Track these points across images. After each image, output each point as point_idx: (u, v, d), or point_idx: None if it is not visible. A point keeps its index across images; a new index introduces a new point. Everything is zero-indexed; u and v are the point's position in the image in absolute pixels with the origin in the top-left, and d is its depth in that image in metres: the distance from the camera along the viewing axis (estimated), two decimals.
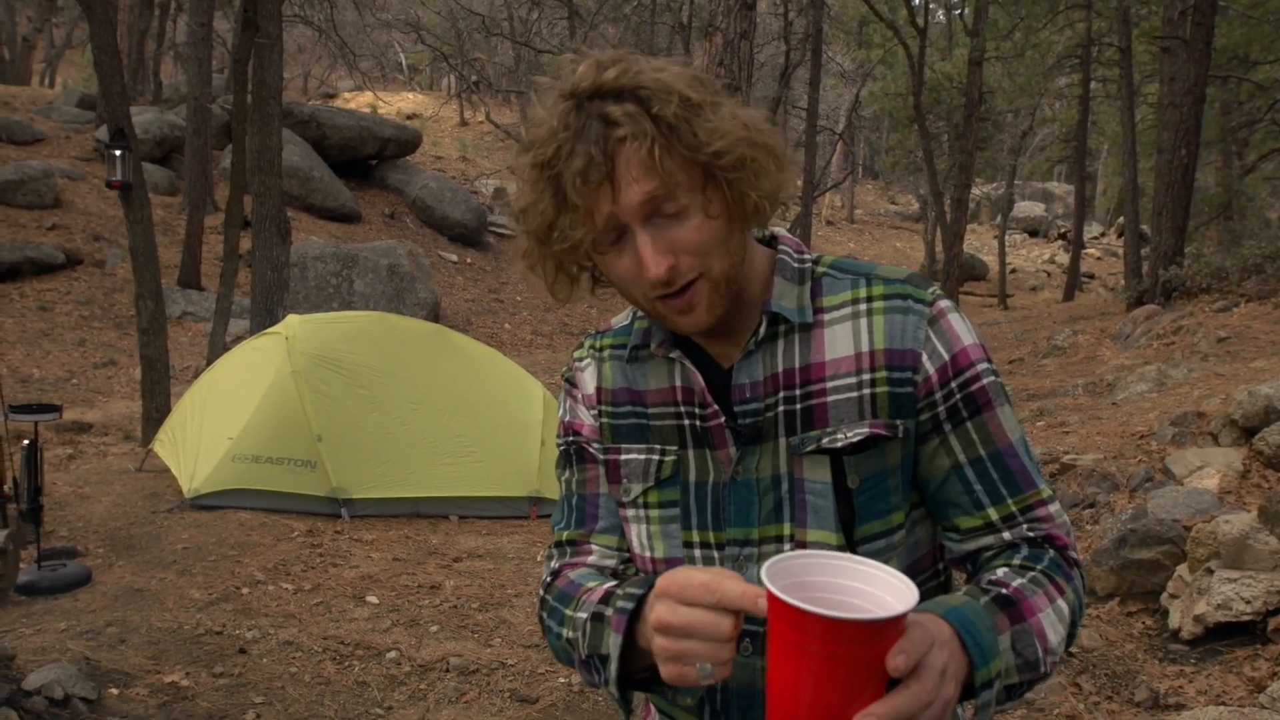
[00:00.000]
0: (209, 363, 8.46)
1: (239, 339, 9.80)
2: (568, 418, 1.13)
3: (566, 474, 1.13)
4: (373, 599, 4.55)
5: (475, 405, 6.46)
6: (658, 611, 0.81)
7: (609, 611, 0.95)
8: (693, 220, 0.92)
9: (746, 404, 1.00)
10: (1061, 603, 0.92)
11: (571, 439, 1.12)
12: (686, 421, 1.03)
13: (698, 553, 1.03)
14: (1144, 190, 20.09)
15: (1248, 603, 3.60)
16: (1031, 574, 0.93)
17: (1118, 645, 3.94)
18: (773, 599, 0.70)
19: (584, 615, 0.98)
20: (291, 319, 6.51)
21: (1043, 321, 14.52)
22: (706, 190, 0.92)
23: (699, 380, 1.02)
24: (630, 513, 1.07)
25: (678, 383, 1.04)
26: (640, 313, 1.08)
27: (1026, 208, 37.94)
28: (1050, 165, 39.27)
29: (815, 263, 1.04)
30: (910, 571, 0.98)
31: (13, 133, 17.95)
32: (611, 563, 1.09)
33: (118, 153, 7.30)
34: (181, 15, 24.98)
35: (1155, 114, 15.76)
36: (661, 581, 0.82)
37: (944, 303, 0.99)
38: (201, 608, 4.26)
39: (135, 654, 3.73)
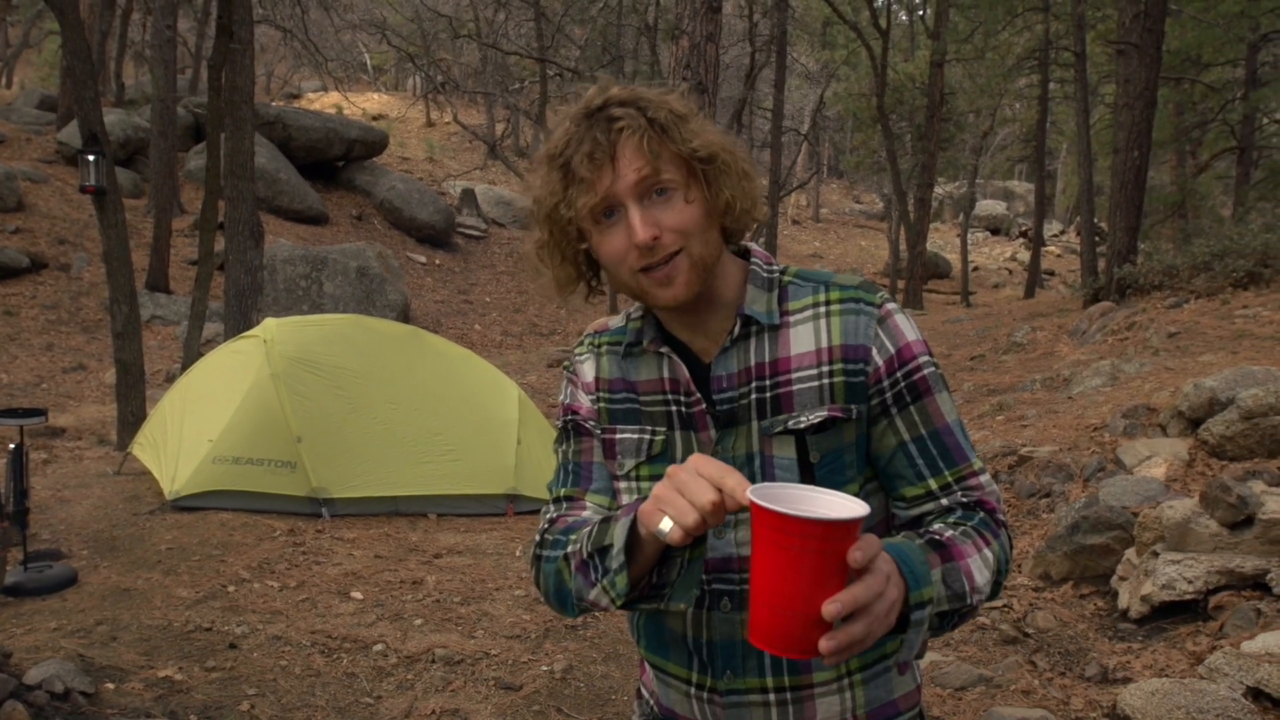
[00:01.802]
0: (184, 366, 8.48)
1: (211, 343, 9.83)
2: (567, 400, 1.30)
3: (564, 446, 1.30)
4: (357, 595, 4.67)
5: (452, 405, 6.57)
6: (672, 468, 0.98)
7: (617, 513, 1.12)
8: (675, 203, 1.11)
9: (724, 393, 1.17)
10: (987, 552, 1.09)
11: (570, 417, 1.29)
12: (674, 408, 1.21)
13: None
14: (1102, 189, 20.56)
15: (1190, 582, 3.83)
16: (962, 529, 1.11)
17: (1071, 625, 4.16)
18: (757, 508, 0.87)
19: (590, 529, 1.13)
20: (269, 322, 6.58)
21: (1003, 319, 14.84)
22: (689, 182, 1.11)
23: (684, 372, 1.19)
24: (624, 484, 1.24)
25: (666, 374, 1.21)
26: (634, 314, 1.26)
27: (988, 206, 38.54)
28: (1011, 164, 39.95)
29: (782, 273, 1.22)
30: None
31: None
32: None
33: (91, 158, 7.33)
34: (139, 16, 24.68)
35: (1112, 114, 16.16)
36: (691, 457, 0.99)
37: (890, 305, 1.18)
38: (189, 605, 4.36)
39: (128, 650, 3.82)
